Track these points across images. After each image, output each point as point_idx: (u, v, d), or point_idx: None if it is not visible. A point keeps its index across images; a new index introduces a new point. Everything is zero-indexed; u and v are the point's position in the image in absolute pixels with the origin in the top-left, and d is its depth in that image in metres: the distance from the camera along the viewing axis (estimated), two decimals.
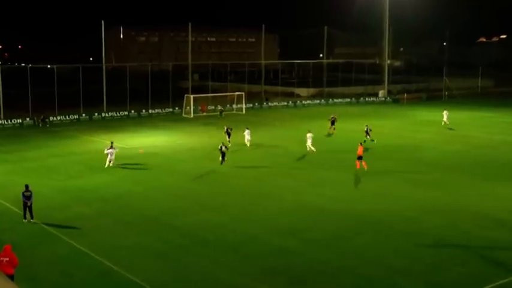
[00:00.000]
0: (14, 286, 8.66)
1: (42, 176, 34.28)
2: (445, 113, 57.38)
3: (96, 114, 64.17)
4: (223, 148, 37.19)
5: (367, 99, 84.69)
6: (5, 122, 58.39)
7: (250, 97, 77.39)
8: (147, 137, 49.93)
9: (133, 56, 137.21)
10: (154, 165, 37.68)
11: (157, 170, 36.35)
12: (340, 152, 42.10)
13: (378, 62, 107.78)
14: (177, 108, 69.08)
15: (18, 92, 61.30)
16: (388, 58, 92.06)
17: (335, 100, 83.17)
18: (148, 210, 27.19)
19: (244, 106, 71.18)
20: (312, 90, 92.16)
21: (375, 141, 45.15)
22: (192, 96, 67.04)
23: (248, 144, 44.17)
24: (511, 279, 18.91)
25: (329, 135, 50.94)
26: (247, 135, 44.46)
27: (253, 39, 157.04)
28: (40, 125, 58.64)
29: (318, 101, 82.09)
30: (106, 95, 67.01)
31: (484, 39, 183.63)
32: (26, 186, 25.48)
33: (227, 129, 45.24)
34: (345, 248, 22.04)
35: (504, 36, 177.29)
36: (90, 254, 21.32)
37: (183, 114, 67.05)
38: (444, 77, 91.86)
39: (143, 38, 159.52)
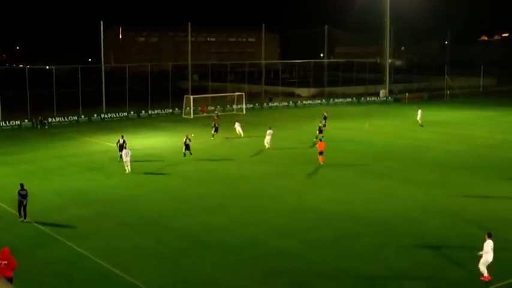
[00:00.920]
0: None
1: (41, 178, 34.34)
2: (419, 112, 57.76)
3: (95, 115, 64.25)
4: (187, 141, 39.65)
5: (368, 98, 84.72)
6: (3, 124, 58.41)
7: (251, 97, 77.43)
8: (146, 138, 49.98)
9: (133, 56, 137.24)
10: (154, 167, 37.71)
11: (158, 171, 36.38)
12: (340, 152, 42.17)
13: (379, 61, 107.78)
14: (176, 109, 69.14)
15: (17, 93, 61.32)
16: (390, 57, 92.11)
17: (336, 100, 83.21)
18: (148, 212, 27.24)
19: (244, 106, 71.21)
20: (312, 90, 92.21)
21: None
22: (191, 96, 67.09)
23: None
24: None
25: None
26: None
27: (253, 39, 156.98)
28: (39, 126, 58.72)
29: (319, 101, 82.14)
30: (105, 96, 67.11)
31: (486, 38, 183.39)
32: (21, 185, 25.78)
33: (214, 124, 48.81)
34: (345, 249, 22.09)
35: (506, 35, 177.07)
36: (89, 257, 21.37)
37: (183, 115, 67.10)
38: (446, 76, 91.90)
39: (142, 38, 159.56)
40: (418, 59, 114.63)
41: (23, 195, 25.46)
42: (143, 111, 67.49)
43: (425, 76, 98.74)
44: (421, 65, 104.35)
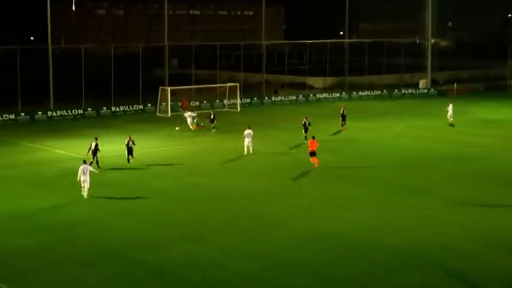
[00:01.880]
0: None
1: None
2: (450, 107, 58.39)
3: (39, 113, 64.17)
4: (131, 143, 41.29)
5: (403, 91, 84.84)
6: None
7: (248, 89, 77.40)
8: (109, 143, 49.64)
9: (91, 34, 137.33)
10: (118, 181, 37.59)
11: (123, 187, 36.22)
12: (365, 161, 42.15)
13: (418, 41, 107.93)
14: (149, 104, 69.11)
15: None
16: (432, 36, 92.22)
17: (360, 93, 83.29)
18: (110, 242, 27.10)
19: (239, 101, 71.16)
20: (329, 80, 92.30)
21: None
22: (169, 88, 67.06)
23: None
24: None
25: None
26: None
27: (251, 13, 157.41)
28: None
29: (338, 94, 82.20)
30: (53, 88, 67.03)
31: None
32: None
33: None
34: None
35: None
36: None
37: (158, 113, 67.06)
38: (509, 61, 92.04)
39: (103, 11, 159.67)
40: (470, 38, 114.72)
41: None
42: (104, 108, 67.45)
43: (481, 61, 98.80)
44: (475, 46, 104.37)
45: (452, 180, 37.61)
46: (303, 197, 34.18)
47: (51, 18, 68.41)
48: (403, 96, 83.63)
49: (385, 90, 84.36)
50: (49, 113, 64.77)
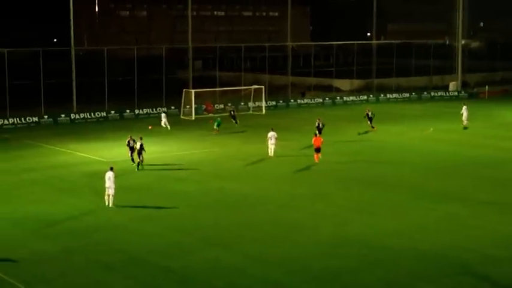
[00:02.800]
0: None
1: None
2: (464, 109, 58.16)
3: (62, 115, 64.78)
4: (131, 143, 41.76)
5: (433, 94, 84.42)
6: None
7: (273, 92, 77.44)
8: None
9: (113, 36, 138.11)
10: (141, 185, 37.89)
11: (146, 192, 36.51)
12: (393, 165, 42.13)
13: (448, 42, 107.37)
14: (173, 107, 69.36)
15: None
16: (463, 37, 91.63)
17: (388, 96, 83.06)
18: (134, 247, 27.29)
19: (264, 104, 71.28)
20: (356, 83, 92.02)
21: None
22: (193, 91, 67.32)
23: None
24: None
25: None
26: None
27: (277, 14, 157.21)
28: None
29: (365, 97, 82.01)
30: (76, 90, 67.55)
31: None
32: None
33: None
34: None
35: None
36: None
37: (182, 116, 67.35)
38: None
39: (126, 12, 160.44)
40: (504, 39, 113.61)
41: None
42: (128, 111, 67.91)
43: None
44: (509, 47, 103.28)
45: (482, 185, 37.44)
46: (328, 201, 34.22)
47: (74, 20, 68.98)
48: (432, 98, 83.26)
49: (414, 93, 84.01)
50: (72, 116, 65.28)
